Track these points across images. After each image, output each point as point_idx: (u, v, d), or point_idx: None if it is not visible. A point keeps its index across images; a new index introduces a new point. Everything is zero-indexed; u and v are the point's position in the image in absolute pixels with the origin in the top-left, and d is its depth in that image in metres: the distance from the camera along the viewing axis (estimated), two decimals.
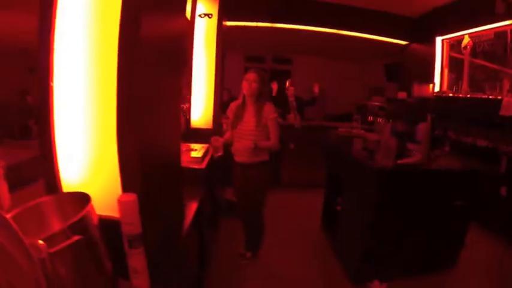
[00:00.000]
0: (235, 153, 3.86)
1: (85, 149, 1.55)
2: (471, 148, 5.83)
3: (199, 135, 4.51)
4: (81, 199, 1.35)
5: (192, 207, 2.72)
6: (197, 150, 3.69)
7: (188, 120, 4.68)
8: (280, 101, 7.31)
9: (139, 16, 1.40)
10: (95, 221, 1.34)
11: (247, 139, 3.64)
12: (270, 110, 3.65)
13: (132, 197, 1.41)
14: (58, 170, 1.59)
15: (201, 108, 4.77)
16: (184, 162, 3.29)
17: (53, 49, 1.48)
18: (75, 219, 1.19)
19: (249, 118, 3.66)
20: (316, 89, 7.54)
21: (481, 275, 4.09)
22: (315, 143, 6.33)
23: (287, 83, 7.38)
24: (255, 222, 4.10)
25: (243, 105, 3.76)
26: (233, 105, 3.89)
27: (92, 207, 1.33)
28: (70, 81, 1.50)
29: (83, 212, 1.24)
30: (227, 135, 3.91)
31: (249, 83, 3.62)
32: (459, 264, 4.12)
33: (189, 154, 3.54)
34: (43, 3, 1.45)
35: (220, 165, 4.44)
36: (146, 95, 1.56)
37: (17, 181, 1.47)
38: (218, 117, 4.85)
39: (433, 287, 3.84)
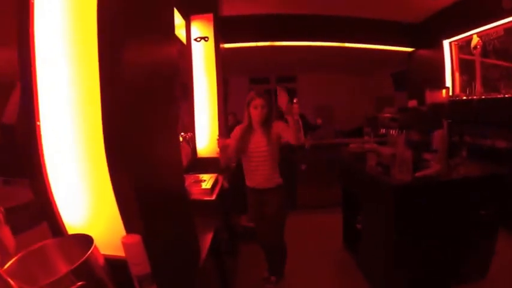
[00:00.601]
0: (248, 178, 3.86)
1: (82, 190, 1.52)
2: (490, 151, 5.72)
3: (207, 164, 4.50)
4: (85, 241, 1.33)
5: (207, 238, 2.71)
6: (206, 181, 3.64)
7: (194, 150, 4.65)
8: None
9: (119, 47, 1.38)
10: (101, 262, 1.32)
11: (260, 161, 3.69)
12: (277, 125, 3.71)
13: (136, 238, 1.39)
14: (58, 213, 1.57)
15: (206, 136, 4.75)
16: (195, 194, 3.32)
17: (36, 85, 1.48)
18: (77, 264, 1.17)
19: (258, 139, 3.67)
20: (319, 121, 7.51)
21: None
22: (328, 162, 6.30)
23: (294, 101, 7.38)
24: (277, 247, 4.01)
25: (250, 129, 3.74)
26: (238, 129, 3.85)
27: (96, 248, 1.31)
28: (55, 119, 1.49)
29: (85, 256, 1.21)
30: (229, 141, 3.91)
31: (258, 109, 3.63)
32: (490, 273, 4.00)
33: (200, 185, 3.50)
34: (21, 38, 1.45)
35: (232, 192, 4.41)
36: (136, 128, 1.53)
37: (26, 221, 1.50)
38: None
39: None
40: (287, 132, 3.61)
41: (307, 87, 11.70)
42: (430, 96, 6.79)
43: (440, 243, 3.63)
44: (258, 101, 3.63)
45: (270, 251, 4.07)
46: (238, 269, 4.44)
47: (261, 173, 3.72)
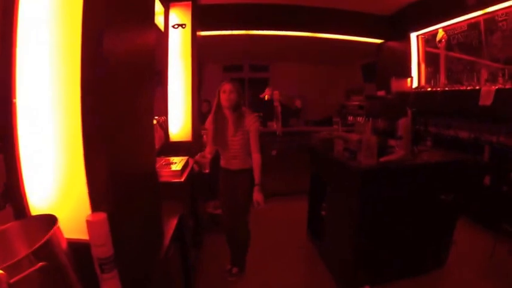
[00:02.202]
0: (223, 160, 3.88)
1: (52, 170, 1.47)
2: (453, 140, 5.86)
3: (179, 148, 4.48)
4: (48, 222, 1.27)
5: (172, 223, 2.65)
6: (176, 163, 3.62)
7: (167, 134, 4.62)
8: (263, 107, 7.32)
9: (101, 30, 1.36)
10: (63, 244, 1.26)
11: (232, 147, 3.70)
12: (251, 120, 3.65)
13: (101, 216, 1.33)
14: (25, 195, 1.52)
15: (179, 121, 4.72)
16: (164, 176, 3.28)
17: (14, 65, 1.44)
18: (38, 244, 1.11)
19: (231, 127, 3.65)
20: (298, 103, 7.50)
21: (472, 271, 4.05)
22: (297, 149, 6.30)
23: (266, 90, 7.34)
24: (241, 233, 3.98)
25: (223, 116, 3.70)
26: (211, 118, 3.81)
27: (59, 229, 1.26)
28: (33, 99, 1.45)
29: (47, 236, 1.16)
30: (208, 149, 3.88)
31: (227, 94, 3.58)
32: (449, 261, 4.09)
33: (169, 168, 3.47)
34: (3, 19, 1.42)
35: (202, 178, 4.37)
36: (113, 109, 1.50)
37: None
38: (197, 128, 4.78)
39: (423, 287, 3.79)
40: (252, 146, 3.67)
41: (279, 76, 11.67)
42: (396, 85, 6.85)
43: (401, 231, 3.69)
44: (227, 86, 3.59)
45: (233, 238, 4.05)
46: (201, 259, 4.39)
47: (236, 159, 3.76)
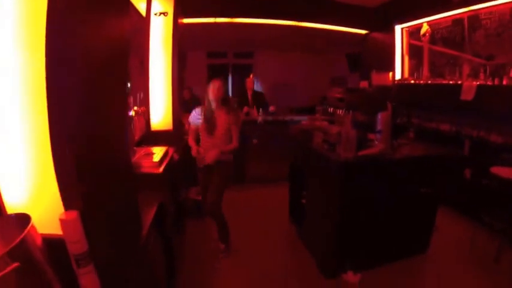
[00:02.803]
0: (204, 157, 4.03)
1: (24, 170, 1.48)
2: (435, 133, 5.95)
3: (160, 138, 4.46)
4: (23, 220, 1.30)
5: (151, 212, 2.68)
6: (156, 154, 3.63)
7: (148, 123, 4.61)
8: (238, 95, 7.41)
9: (70, 17, 1.37)
10: (38, 242, 1.30)
11: (215, 142, 4.01)
12: (236, 118, 4.09)
13: (73, 214, 1.36)
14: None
15: (160, 110, 4.70)
16: (145, 167, 3.29)
17: None
18: (12, 245, 1.14)
19: (219, 122, 4.01)
20: (272, 109, 7.54)
21: (453, 256, 4.18)
22: (279, 137, 6.34)
23: (250, 76, 7.37)
24: (218, 216, 4.17)
25: (211, 111, 4.06)
26: (198, 112, 4.17)
27: (33, 227, 1.29)
28: None
29: (21, 237, 1.19)
30: (194, 149, 4.06)
31: (216, 88, 3.97)
32: (431, 248, 4.21)
33: (150, 158, 3.47)
34: None
35: (183, 165, 4.41)
36: (81, 102, 1.50)
37: None
38: (178, 117, 4.79)
39: (407, 272, 3.88)
40: (233, 138, 4.09)
41: (264, 63, 11.63)
42: (377, 78, 6.92)
43: (382, 220, 3.77)
44: (216, 82, 4.01)
45: (215, 220, 4.23)
46: (184, 245, 4.44)
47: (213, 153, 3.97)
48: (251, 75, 7.76)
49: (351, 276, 3.69)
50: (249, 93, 7.51)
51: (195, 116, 4.18)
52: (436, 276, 3.81)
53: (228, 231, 4.28)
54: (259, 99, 7.59)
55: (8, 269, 1.09)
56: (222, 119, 4.01)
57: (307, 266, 4.07)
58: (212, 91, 3.97)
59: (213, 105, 4.02)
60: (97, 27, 1.69)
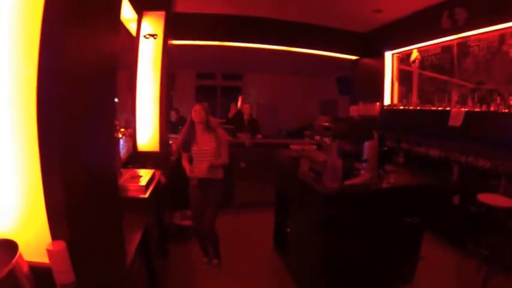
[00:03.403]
0: (194, 170, 4.28)
1: (14, 195, 1.47)
2: (424, 158, 6.06)
3: (146, 159, 4.49)
4: (9, 247, 1.32)
5: (136, 237, 2.70)
6: (143, 177, 3.64)
7: (134, 143, 4.65)
8: (234, 120, 7.48)
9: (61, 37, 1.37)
10: (25, 269, 1.32)
11: (204, 158, 4.24)
12: (223, 134, 4.44)
13: (61, 245, 1.38)
14: None
15: (148, 131, 4.74)
16: (131, 191, 3.30)
17: None
18: (1, 275, 1.16)
19: (205, 141, 4.29)
20: (259, 137, 7.66)
21: (439, 285, 4.24)
22: (266, 162, 6.37)
23: (239, 99, 7.45)
24: (214, 233, 4.42)
25: (193, 130, 4.33)
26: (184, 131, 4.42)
27: (21, 256, 1.31)
28: None
29: (9, 267, 1.21)
30: (188, 168, 4.30)
31: (196, 112, 4.24)
32: (417, 277, 4.22)
33: (136, 182, 3.48)
34: None
35: (169, 188, 4.45)
36: (71, 126, 1.51)
37: None
38: (165, 139, 4.83)
39: None
40: (222, 153, 4.35)
41: (253, 85, 11.76)
42: (363, 109, 7.02)
43: (367, 249, 3.78)
44: (196, 107, 4.29)
45: (207, 237, 4.47)
46: (168, 268, 4.44)
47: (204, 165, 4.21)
48: (248, 105, 7.83)
49: None
50: (245, 118, 7.65)
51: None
52: None
53: (219, 246, 4.55)
54: (254, 126, 7.74)
55: None
56: (208, 138, 4.28)
57: None
58: (194, 116, 4.25)
59: (198, 127, 4.28)
60: (88, 42, 1.71)
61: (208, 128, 4.32)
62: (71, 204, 1.47)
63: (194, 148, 4.30)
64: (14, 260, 1.24)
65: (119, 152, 3.84)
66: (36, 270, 1.40)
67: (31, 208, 1.47)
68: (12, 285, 1.19)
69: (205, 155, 4.25)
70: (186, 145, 4.35)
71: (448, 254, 5.01)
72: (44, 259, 1.43)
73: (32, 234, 1.47)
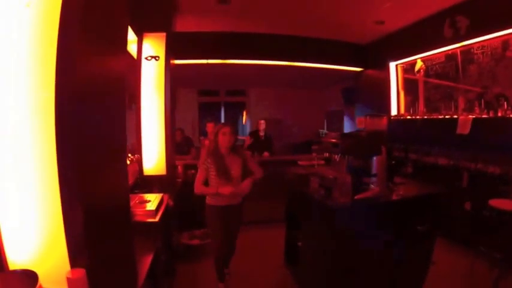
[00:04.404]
0: (218, 198, 4.12)
1: (30, 225, 1.55)
2: (433, 167, 6.12)
3: (153, 182, 4.54)
4: (28, 277, 1.38)
5: (147, 260, 2.78)
6: (151, 202, 3.70)
7: (141, 168, 4.71)
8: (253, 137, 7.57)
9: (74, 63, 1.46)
10: None
11: (234, 184, 4.07)
12: (248, 156, 4.54)
13: (80, 273, 1.45)
14: (3, 249, 1.57)
15: (153, 155, 4.78)
16: (139, 215, 3.37)
17: None
18: None
19: (233, 166, 4.12)
20: (266, 154, 7.75)
21: None
22: (275, 179, 6.40)
23: (244, 114, 7.53)
24: (233, 249, 4.50)
25: (221, 156, 4.12)
26: (208, 157, 4.16)
27: (41, 287, 1.38)
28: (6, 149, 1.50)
29: None
30: (213, 190, 4.04)
31: (226, 136, 4.06)
32: (428, 281, 4.24)
33: (144, 206, 3.56)
34: None
35: (177, 210, 4.50)
36: (89, 156, 1.60)
37: None
38: (172, 162, 4.88)
39: None
40: (254, 169, 4.30)
41: (257, 100, 11.80)
42: (370, 123, 7.07)
43: (378, 260, 3.82)
44: (226, 129, 4.09)
45: (228, 253, 4.46)
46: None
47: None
48: (263, 121, 7.87)
49: None
50: (261, 135, 7.73)
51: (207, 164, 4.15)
52: None
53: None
54: (269, 144, 7.85)
55: None
56: (236, 164, 4.15)
57: None
58: (223, 140, 4.07)
59: (223, 151, 4.12)
60: (98, 65, 1.80)
61: (234, 151, 4.20)
62: (90, 233, 1.54)
63: (221, 174, 4.03)
64: None
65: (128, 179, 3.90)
66: None
67: (51, 239, 1.54)
68: None
69: (232, 181, 4.07)
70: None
71: (459, 257, 5.05)
72: (63, 286, 1.49)
73: (51, 263, 1.55)
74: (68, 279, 1.44)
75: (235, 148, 4.21)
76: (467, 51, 5.95)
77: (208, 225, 4.31)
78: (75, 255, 1.52)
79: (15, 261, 1.59)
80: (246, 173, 4.21)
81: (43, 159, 1.49)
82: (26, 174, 1.50)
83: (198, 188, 4.04)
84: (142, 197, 3.86)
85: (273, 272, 5.02)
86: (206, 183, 4.10)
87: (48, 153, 1.46)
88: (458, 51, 6.09)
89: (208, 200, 4.20)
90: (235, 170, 4.11)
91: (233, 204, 4.20)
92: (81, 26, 1.51)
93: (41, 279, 1.41)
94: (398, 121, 7.65)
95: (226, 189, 3.92)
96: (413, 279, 4.20)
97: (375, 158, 3.86)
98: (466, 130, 5.58)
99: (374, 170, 3.86)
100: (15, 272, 1.52)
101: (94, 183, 1.69)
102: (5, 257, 1.57)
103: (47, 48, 1.44)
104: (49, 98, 1.44)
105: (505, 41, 5.23)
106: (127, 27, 2.37)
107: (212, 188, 4.03)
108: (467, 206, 5.34)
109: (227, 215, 4.19)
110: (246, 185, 4.11)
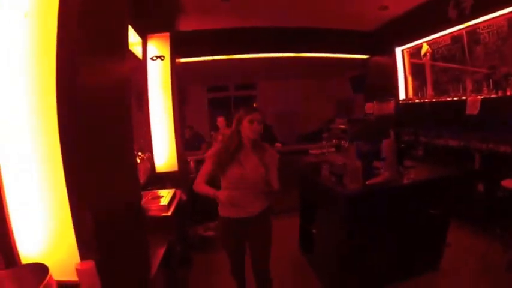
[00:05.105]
0: (230, 207, 3.11)
1: (40, 218, 1.60)
2: (444, 149, 6.08)
3: (166, 179, 4.59)
4: (39, 270, 1.42)
5: (160, 252, 2.87)
6: (164, 197, 3.76)
7: (153, 165, 4.75)
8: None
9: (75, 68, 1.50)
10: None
11: (242, 187, 3.09)
12: (273, 153, 3.26)
13: (90, 264, 1.49)
14: (14, 244, 1.63)
15: (164, 152, 4.84)
16: (153, 210, 3.44)
17: None
18: None
19: (252, 163, 3.10)
20: (278, 145, 7.65)
21: (466, 271, 4.23)
22: (287, 169, 6.41)
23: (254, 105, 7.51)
24: (268, 279, 3.44)
25: (237, 148, 3.14)
26: (220, 150, 3.19)
27: (52, 278, 1.41)
28: (13, 145, 1.56)
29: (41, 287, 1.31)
30: (211, 192, 3.01)
31: (255, 124, 3.08)
32: (444, 263, 4.26)
33: (158, 202, 3.61)
34: None
35: (191, 203, 4.55)
36: (94, 151, 1.64)
37: None
38: (183, 157, 4.92)
39: None
40: (272, 175, 3.16)
41: (267, 93, 11.78)
42: (378, 108, 7.05)
43: (392, 243, 3.85)
44: (256, 115, 3.11)
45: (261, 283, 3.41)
46: (192, 276, 4.53)
47: (250, 200, 3.17)
48: (257, 113, 7.74)
49: None
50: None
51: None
52: None
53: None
54: (269, 133, 7.66)
55: None
56: (255, 161, 3.11)
57: None
58: (249, 128, 3.08)
59: (248, 143, 3.14)
60: (100, 70, 1.84)
61: (257, 147, 3.18)
62: (99, 226, 1.57)
63: (234, 171, 3.08)
64: (44, 282, 1.34)
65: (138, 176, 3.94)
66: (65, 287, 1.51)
67: (60, 232, 1.59)
68: None
69: (245, 184, 3.08)
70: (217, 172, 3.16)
71: (474, 239, 5.02)
72: (72, 277, 1.54)
73: (60, 256, 1.60)
74: (77, 270, 1.47)
75: (259, 144, 3.21)
76: (472, 32, 5.87)
77: (219, 240, 3.47)
78: (84, 248, 1.56)
79: (26, 255, 1.64)
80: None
81: (47, 151, 1.54)
82: (33, 171, 1.55)
83: (198, 184, 3.13)
84: (155, 193, 3.92)
85: (289, 259, 5.05)
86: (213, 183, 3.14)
87: (52, 141, 1.51)
88: (464, 32, 6.01)
89: (219, 209, 3.28)
90: (254, 170, 3.07)
91: (250, 216, 3.17)
92: (80, 32, 1.55)
93: (52, 272, 1.43)
94: (407, 105, 7.59)
95: (221, 193, 2.96)
96: (428, 259, 4.21)
97: (384, 142, 3.86)
98: (476, 111, 5.53)
99: (383, 154, 3.85)
100: (27, 266, 1.56)
101: (101, 182, 1.73)
102: (16, 251, 1.63)
103: (46, 56, 1.49)
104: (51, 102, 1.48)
105: (510, 19, 5.14)
106: (127, 30, 2.38)
107: (210, 188, 3.05)
108: (480, 187, 5.31)
109: (242, 231, 3.23)
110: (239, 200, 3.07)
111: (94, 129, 1.67)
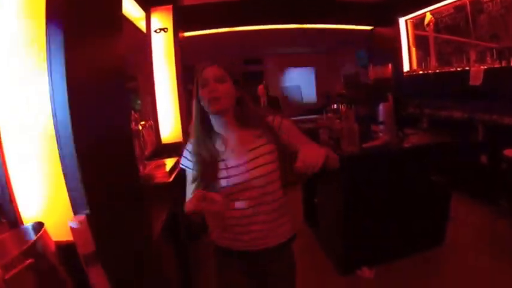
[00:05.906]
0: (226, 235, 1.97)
1: (39, 185, 1.66)
2: (448, 121, 6.05)
3: (171, 149, 4.61)
4: (38, 228, 1.49)
5: (162, 216, 2.90)
6: (166, 165, 3.81)
7: (158, 137, 4.83)
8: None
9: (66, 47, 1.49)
10: (52, 246, 1.48)
11: (259, 198, 1.85)
12: (277, 118, 2.01)
13: (81, 218, 1.53)
14: (17, 209, 1.68)
15: (169, 123, 4.91)
16: (158, 178, 3.48)
17: None
18: (27, 245, 1.32)
19: (247, 153, 1.84)
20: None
21: (471, 245, 4.20)
22: None
23: (259, 87, 7.51)
24: None
25: (215, 134, 1.91)
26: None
27: (46, 232, 1.47)
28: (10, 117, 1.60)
29: (35, 239, 1.37)
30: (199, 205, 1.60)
31: (210, 85, 1.75)
32: (448, 238, 4.22)
33: (162, 169, 3.65)
34: None
35: None
36: (86, 121, 1.66)
37: None
38: (187, 128, 4.97)
39: (423, 265, 3.91)
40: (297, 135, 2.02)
41: (274, 68, 11.76)
42: (374, 72, 7.02)
43: (395, 210, 3.86)
44: (208, 71, 1.79)
45: None
46: (201, 251, 4.43)
47: (261, 220, 1.89)
48: (261, 86, 7.76)
49: (366, 272, 3.80)
50: (262, 100, 7.64)
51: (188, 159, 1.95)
52: (453, 266, 3.86)
53: None
54: (275, 105, 7.69)
55: (24, 264, 1.26)
56: (250, 142, 1.87)
57: (322, 264, 4.20)
58: (205, 95, 1.75)
59: (223, 120, 1.86)
60: (95, 46, 1.86)
61: (246, 122, 1.89)
62: (90, 188, 1.60)
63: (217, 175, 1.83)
64: (39, 234, 1.40)
65: (141, 142, 3.97)
66: (63, 246, 1.56)
67: (56, 195, 1.65)
68: (38, 257, 1.34)
69: (251, 186, 1.81)
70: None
71: (478, 213, 5.01)
72: (69, 237, 1.58)
73: (57, 217, 1.65)
74: (70, 224, 1.52)
75: (246, 111, 1.91)
76: (476, 1, 5.77)
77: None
78: (77, 208, 1.60)
79: (29, 218, 1.69)
80: (285, 161, 1.96)
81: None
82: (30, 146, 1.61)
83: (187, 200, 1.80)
84: (160, 161, 3.96)
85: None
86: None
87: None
88: (467, 1, 5.92)
89: (213, 235, 2.10)
90: (248, 163, 1.81)
91: (265, 248, 1.93)
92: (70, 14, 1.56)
93: (51, 232, 1.52)
94: (411, 77, 7.57)
95: (216, 195, 1.60)
96: (432, 233, 4.20)
97: (381, 105, 3.85)
98: (479, 81, 5.48)
99: (381, 118, 3.85)
100: (25, 226, 1.62)
101: (92, 133, 1.76)
102: (19, 214, 1.68)
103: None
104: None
105: None
106: (121, 7, 2.39)
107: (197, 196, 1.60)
108: (484, 159, 5.28)
109: (251, 271, 2.02)
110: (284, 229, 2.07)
111: (88, 94, 1.72)
